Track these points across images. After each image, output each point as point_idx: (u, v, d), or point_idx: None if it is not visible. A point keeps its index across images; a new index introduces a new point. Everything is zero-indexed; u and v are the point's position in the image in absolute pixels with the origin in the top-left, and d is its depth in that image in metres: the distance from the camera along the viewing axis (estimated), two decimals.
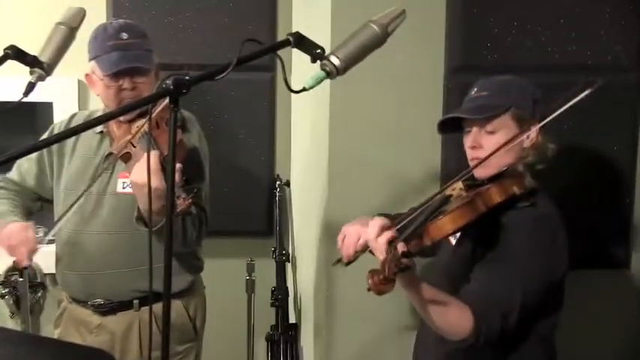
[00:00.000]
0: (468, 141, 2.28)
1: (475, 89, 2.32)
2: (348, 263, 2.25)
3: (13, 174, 2.93)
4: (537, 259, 2.13)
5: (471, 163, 2.26)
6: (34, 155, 2.88)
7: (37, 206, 2.94)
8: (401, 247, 1.91)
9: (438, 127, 2.39)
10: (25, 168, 2.91)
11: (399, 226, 2.05)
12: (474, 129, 2.25)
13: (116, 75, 2.62)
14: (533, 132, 2.22)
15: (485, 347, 2.05)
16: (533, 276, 2.11)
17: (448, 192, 2.19)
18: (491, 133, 2.22)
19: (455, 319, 2.04)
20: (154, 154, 2.35)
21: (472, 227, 2.04)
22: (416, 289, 1.99)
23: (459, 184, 2.21)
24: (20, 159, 2.90)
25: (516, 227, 2.15)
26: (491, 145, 2.20)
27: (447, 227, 1.99)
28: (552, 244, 2.17)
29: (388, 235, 1.95)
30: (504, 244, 2.13)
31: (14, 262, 2.71)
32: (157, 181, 2.32)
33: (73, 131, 1.97)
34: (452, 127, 2.36)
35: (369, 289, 1.84)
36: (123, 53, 2.61)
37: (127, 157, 2.56)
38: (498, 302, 2.05)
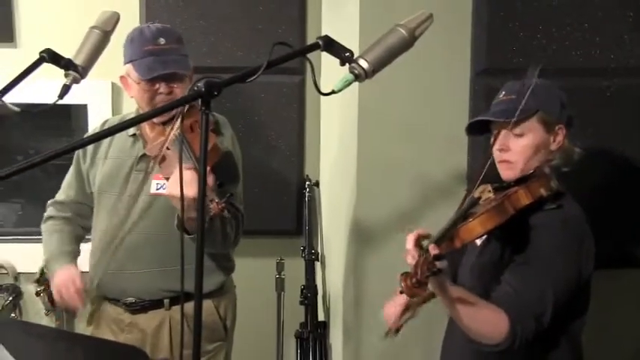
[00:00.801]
0: (495, 143, 2.27)
1: (503, 92, 2.32)
2: (397, 330, 2.08)
3: (59, 194, 3.00)
4: (566, 260, 2.14)
5: (499, 166, 2.27)
6: (72, 169, 2.96)
7: (91, 221, 2.96)
8: (432, 249, 1.92)
9: (466, 130, 2.40)
10: (67, 183, 2.98)
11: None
12: (502, 131, 2.25)
13: (153, 79, 2.64)
14: (560, 135, 2.24)
15: (519, 349, 2.05)
16: (563, 276, 2.12)
17: (476, 194, 2.19)
18: (519, 135, 2.22)
19: (490, 323, 2.04)
20: (189, 166, 2.38)
21: (499, 229, 2.04)
22: (448, 293, 2.00)
23: (487, 187, 2.22)
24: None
25: (545, 229, 2.15)
26: (518, 148, 2.22)
27: (477, 230, 2.00)
28: (580, 245, 2.17)
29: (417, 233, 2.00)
30: (533, 246, 2.14)
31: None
32: (194, 192, 2.29)
33: (108, 132, 2.02)
34: (479, 130, 2.37)
35: (401, 292, 1.84)
36: (160, 58, 2.63)
37: (162, 160, 2.58)
38: (532, 305, 2.06)
